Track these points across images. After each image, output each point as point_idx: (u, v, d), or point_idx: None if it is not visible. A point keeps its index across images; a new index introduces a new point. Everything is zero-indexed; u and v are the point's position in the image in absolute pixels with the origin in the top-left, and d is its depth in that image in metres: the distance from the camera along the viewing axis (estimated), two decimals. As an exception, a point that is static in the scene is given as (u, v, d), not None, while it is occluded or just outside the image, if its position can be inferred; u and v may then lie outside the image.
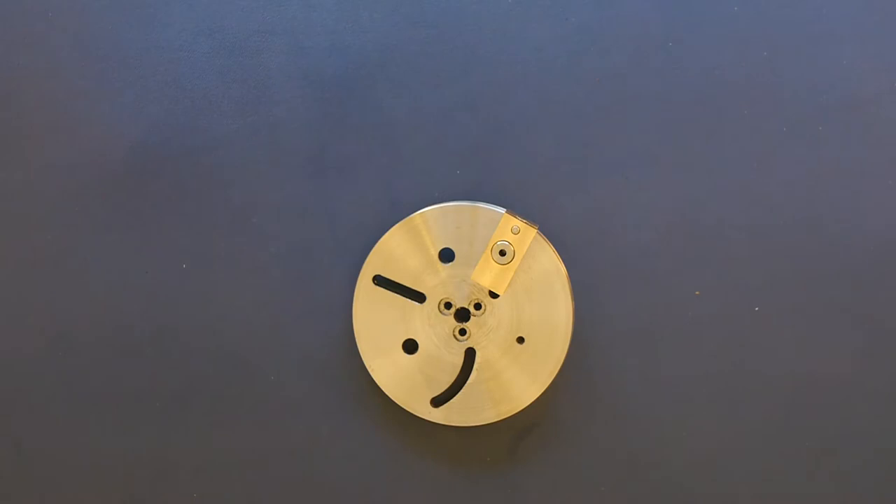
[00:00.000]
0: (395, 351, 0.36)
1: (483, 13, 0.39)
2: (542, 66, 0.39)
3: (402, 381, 0.36)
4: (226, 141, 0.39)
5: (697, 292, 0.38)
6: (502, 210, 0.35)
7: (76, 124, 0.39)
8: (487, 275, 0.35)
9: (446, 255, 0.36)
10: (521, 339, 0.36)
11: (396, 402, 0.36)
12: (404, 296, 0.36)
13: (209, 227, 0.39)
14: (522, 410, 0.36)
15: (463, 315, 0.36)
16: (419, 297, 0.36)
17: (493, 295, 0.35)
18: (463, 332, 0.36)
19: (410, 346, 0.36)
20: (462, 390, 0.36)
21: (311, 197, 0.39)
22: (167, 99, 0.39)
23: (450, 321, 0.36)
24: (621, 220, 0.38)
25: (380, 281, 0.36)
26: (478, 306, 0.36)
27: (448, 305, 0.36)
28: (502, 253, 0.35)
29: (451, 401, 0.36)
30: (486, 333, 0.36)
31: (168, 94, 0.39)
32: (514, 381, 0.36)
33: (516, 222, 0.35)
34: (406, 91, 0.39)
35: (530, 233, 0.35)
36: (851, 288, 0.38)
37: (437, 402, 0.36)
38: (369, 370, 0.36)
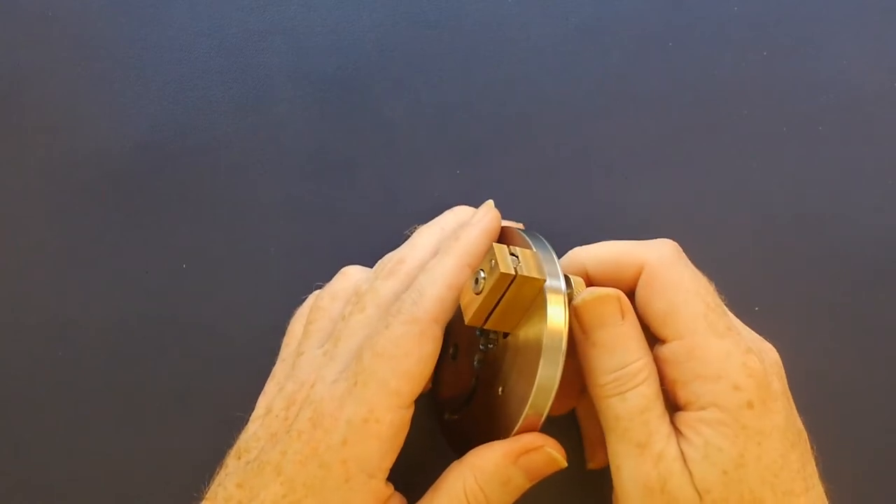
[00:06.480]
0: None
1: (483, 13, 0.39)
2: (542, 66, 0.39)
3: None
4: (226, 141, 0.39)
5: (697, 292, 0.38)
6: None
7: (76, 124, 0.39)
8: (464, 297, 0.31)
9: None
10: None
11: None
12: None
13: (209, 227, 0.39)
14: None
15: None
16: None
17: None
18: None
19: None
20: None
21: (311, 197, 0.39)
22: (167, 99, 0.39)
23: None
24: (621, 220, 0.38)
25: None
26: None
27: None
28: (476, 281, 0.30)
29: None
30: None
31: (168, 94, 0.39)
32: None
33: (496, 256, 0.30)
34: (406, 91, 0.39)
35: (496, 272, 0.29)
36: (851, 288, 0.38)
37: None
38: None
